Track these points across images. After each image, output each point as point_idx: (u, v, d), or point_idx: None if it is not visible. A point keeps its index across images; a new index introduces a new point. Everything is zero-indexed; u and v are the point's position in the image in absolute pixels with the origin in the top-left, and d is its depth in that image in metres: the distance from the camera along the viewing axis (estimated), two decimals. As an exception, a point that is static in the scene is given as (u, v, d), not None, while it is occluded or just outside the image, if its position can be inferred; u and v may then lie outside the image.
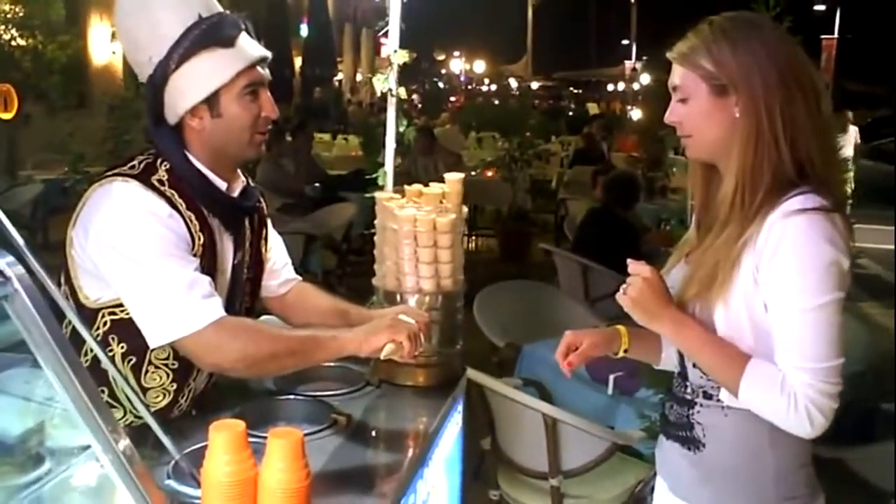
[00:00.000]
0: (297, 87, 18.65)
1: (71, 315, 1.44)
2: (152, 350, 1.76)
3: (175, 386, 1.83)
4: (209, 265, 1.79)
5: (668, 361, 1.76)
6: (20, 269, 1.22)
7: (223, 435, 1.28)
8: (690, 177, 1.67)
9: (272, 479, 1.29)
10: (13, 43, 9.12)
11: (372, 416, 1.96)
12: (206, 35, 1.72)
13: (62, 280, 1.76)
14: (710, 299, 1.51)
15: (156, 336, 1.69)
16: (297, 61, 18.50)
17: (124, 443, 1.25)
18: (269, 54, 1.84)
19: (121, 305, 1.74)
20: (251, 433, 1.35)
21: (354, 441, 1.82)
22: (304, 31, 19.14)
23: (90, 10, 12.30)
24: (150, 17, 1.74)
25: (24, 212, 7.12)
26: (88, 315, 1.73)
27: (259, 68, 1.81)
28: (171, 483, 1.52)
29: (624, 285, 1.57)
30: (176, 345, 1.72)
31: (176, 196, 1.74)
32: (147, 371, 1.79)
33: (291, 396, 2.02)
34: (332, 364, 2.18)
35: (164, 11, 1.73)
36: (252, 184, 1.98)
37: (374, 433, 1.87)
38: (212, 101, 1.75)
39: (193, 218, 1.76)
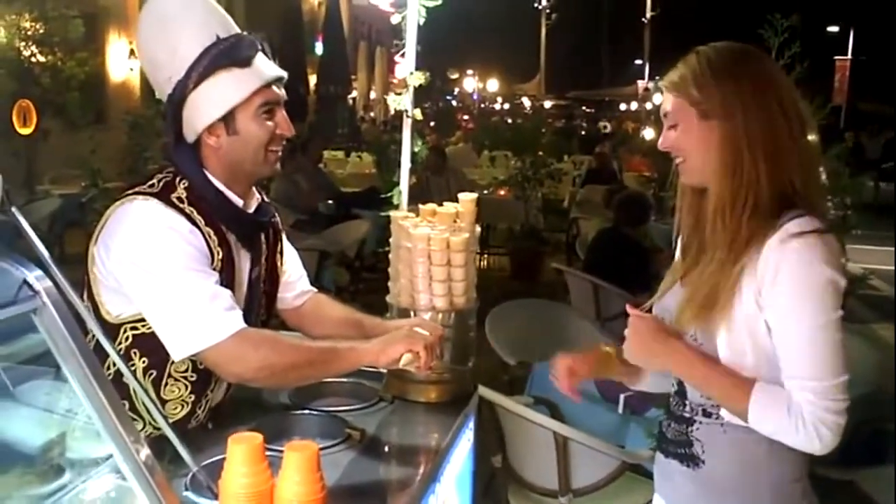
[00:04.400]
0: (312, 104, 18.76)
1: (95, 328, 1.48)
2: (172, 363, 1.80)
3: (193, 398, 1.86)
4: (228, 280, 1.82)
5: (657, 384, 1.81)
6: (48, 283, 1.26)
7: (241, 447, 1.32)
8: (680, 200, 1.71)
9: (288, 491, 1.32)
10: (33, 59, 9.25)
11: (385, 431, 1.99)
12: (223, 55, 1.77)
13: (84, 296, 1.79)
14: (712, 324, 1.54)
15: (179, 349, 1.73)
16: (312, 79, 18.61)
17: (146, 453, 1.28)
18: (284, 74, 1.89)
19: (142, 320, 1.77)
20: (267, 447, 1.38)
21: (368, 456, 1.84)
22: (319, 49, 19.26)
23: (108, 27, 12.46)
24: (170, 38, 1.79)
25: (42, 226, 7.20)
26: (110, 330, 1.76)
27: (275, 87, 1.85)
28: (189, 495, 1.55)
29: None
30: (199, 356, 1.75)
31: (195, 213, 1.79)
32: (167, 384, 1.83)
33: (306, 411, 2.05)
34: (345, 379, 2.21)
35: (183, 32, 1.79)
36: (266, 199, 2.03)
37: (386, 448, 1.90)
38: (228, 119, 1.79)
39: (212, 234, 1.80)
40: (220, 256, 1.81)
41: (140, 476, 1.27)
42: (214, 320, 1.71)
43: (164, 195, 1.78)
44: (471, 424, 2.23)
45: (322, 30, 19.07)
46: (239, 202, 1.88)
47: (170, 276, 1.71)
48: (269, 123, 1.83)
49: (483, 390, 2.53)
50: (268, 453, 1.38)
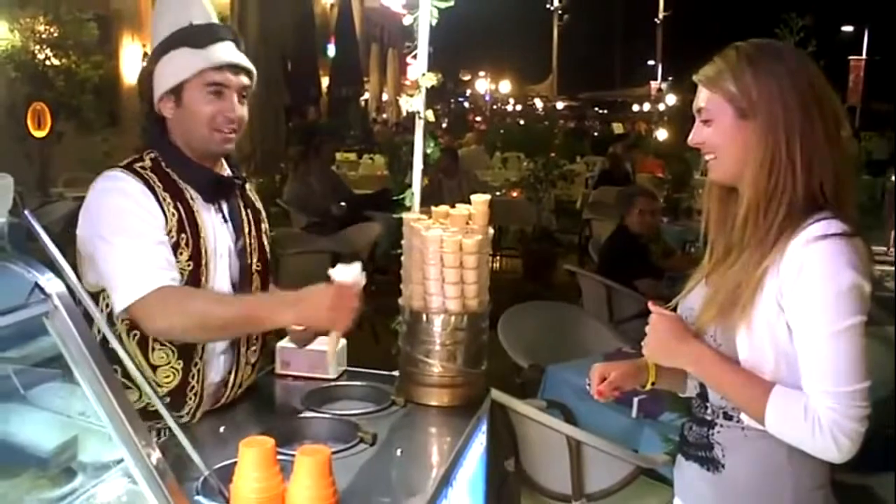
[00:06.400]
0: (324, 106, 18.80)
1: (105, 328, 1.48)
2: None
3: (182, 364, 1.93)
4: (193, 244, 1.92)
5: (692, 388, 1.78)
6: (60, 286, 1.25)
7: (253, 451, 1.31)
8: (706, 197, 1.68)
9: (300, 495, 1.32)
10: (47, 62, 9.28)
11: (397, 435, 1.98)
12: (182, 36, 1.95)
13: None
14: (732, 323, 1.52)
15: (118, 302, 1.82)
16: (325, 81, 18.65)
17: (157, 457, 1.28)
18: (243, 63, 2.00)
19: None
20: (279, 450, 1.37)
21: (380, 459, 1.83)
22: (331, 51, 19.29)
23: (122, 30, 12.50)
24: (155, 24, 2.01)
25: (56, 228, 7.23)
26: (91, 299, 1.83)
27: (229, 73, 1.97)
28: (200, 499, 1.54)
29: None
30: (128, 312, 1.83)
31: (155, 179, 1.92)
32: (153, 348, 1.91)
33: (318, 415, 2.04)
34: (359, 383, 2.21)
35: (162, 19, 1.99)
36: (241, 175, 2.15)
37: (399, 452, 1.89)
38: (177, 92, 1.95)
39: (169, 197, 1.91)
40: (176, 218, 1.91)
41: (151, 480, 1.27)
42: (141, 276, 1.81)
43: (129, 165, 1.93)
44: (483, 428, 2.22)
45: (334, 32, 19.08)
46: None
47: (110, 234, 1.84)
48: (216, 103, 1.96)
49: (496, 394, 2.52)
50: (280, 457, 1.37)
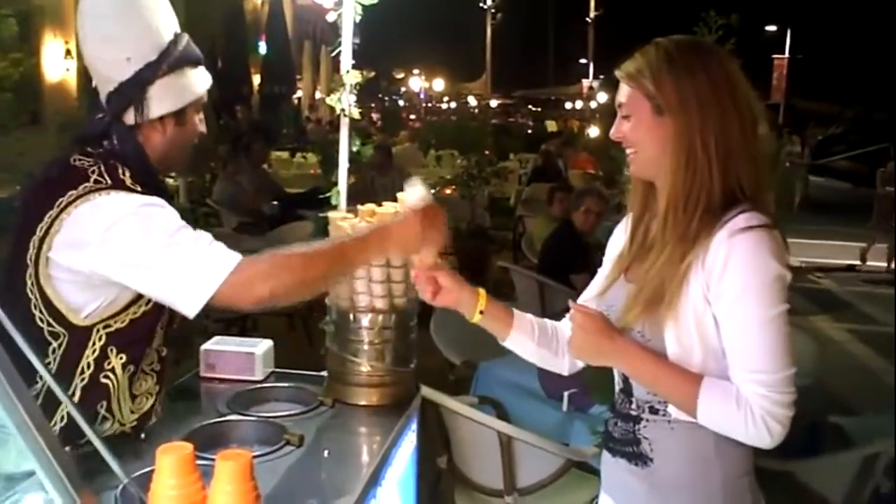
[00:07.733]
0: (255, 104, 18.53)
1: (17, 338, 1.42)
2: (144, 358, 1.82)
3: (157, 388, 1.88)
4: None
5: (520, 344, 1.86)
6: (-38, 293, 1.20)
7: (170, 458, 1.28)
8: (631, 192, 1.70)
9: (221, 501, 1.28)
10: (-37, 60, 8.96)
11: (325, 436, 1.96)
12: (190, 51, 1.86)
13: (40, 309, 1.72)
14: (660, 318, 1.53)
15: (194, 301, 1.65)
16: (256, 79, 18.39)
17: (71, 469, 1.23)
18: None
19: (114, 316, 1.75)
20: (202, 455, 1.35)
21: (306, 462, 1.81)
22: (262, 48, 19.04)
23: (44, 27, 12.13)
24: (142, 20, 1.79)
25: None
26: (82, 333, 1.73)
27: None
28: (119, 508, 1.50)
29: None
30: (215, 298, 1.65)
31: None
32: (138, 378, 1.83)
33: (243, 418, 2.01)
34: (285, 385, 2.19)
35: (156, 17, 1.81)
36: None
37: (326, 453, 1.87)
38: (181, 110, 1.85)
39: None
40: None
41: (64, 491, 1.23)
42: (219, 258, 1.65)
43: (119, 186, 1.73)
44: (413, 426, 2.22)
45: (265, 29, 18.85)
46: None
47: (168, 242, 1.66)
48: (200, 121, 1.92)
49: (426, 391, 2.52)
50: (202, 462, 1.34)
